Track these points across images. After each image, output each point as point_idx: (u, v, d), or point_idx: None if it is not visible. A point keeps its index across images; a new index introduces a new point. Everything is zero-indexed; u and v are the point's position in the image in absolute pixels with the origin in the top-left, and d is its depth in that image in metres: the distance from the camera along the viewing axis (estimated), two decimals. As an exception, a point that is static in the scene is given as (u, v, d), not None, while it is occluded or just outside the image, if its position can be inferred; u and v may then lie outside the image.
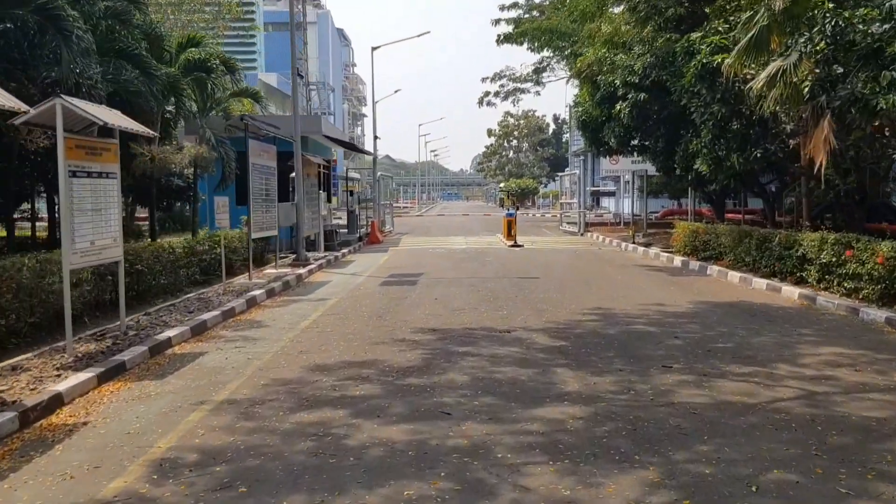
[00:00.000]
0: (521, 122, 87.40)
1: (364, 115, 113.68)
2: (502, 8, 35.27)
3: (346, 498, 4.37)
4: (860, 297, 10.85)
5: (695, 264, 16.78)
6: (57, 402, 6.25)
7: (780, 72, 11.53)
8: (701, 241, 17.42)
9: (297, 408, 6.14)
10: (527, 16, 34.93)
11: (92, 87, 12.02)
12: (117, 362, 7.46)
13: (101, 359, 7.59)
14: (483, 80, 43.77)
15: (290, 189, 19.75)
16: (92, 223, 8.18)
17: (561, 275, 15.62)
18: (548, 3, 33.48)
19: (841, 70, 11.42)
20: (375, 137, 37.75)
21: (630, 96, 18.81)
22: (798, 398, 6.32)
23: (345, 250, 21.75)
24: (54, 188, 15.49)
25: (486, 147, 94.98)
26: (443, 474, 4.69)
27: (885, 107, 10.31)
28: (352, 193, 33.74)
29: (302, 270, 15.82)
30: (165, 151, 16.04)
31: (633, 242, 22.70)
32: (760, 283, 13.39)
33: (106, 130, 8.52)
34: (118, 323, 9.07)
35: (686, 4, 18.05)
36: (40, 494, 4.51)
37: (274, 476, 4.71)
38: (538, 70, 40.62)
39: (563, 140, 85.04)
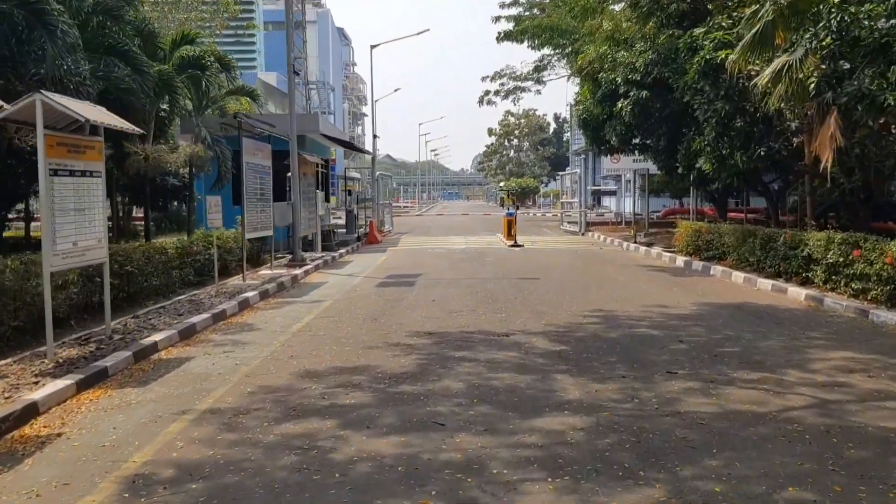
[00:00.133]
0: (522, 120, 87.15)
1: (364, 115, 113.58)
2: (502, 5, 34.97)
3: (329, 519, 4.07)
4: (868, 298, 10.55)
5: (698, 264, 16.47)
6: (31, 412, 5.94)
7: (786, 68, 11.28)
8: (704, 241, 17.08)
9: (282, 418, 5.84)
10: (527, 13, 34.59)
11: (80, 83, 11.73)
12: (99, 368, 7.15)
13: (82, 365, 7.29)
14: (483, 78, 43.41)
15: (287, 188, 19.46)
16: (75, 223, 7.87)
17: (561, 275, 15.31)
18: (548, 0, 33.17)
19: (847, 66, 11.21)
20: (374, 136, 37.47)
21: (632, 94, 18.54)
22: (810, 407, 6.01)
23: (342, 250, 21.45)
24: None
25: (487, 146, 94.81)
26: (434, 493, 4.39)
27: (892, 103, 10.12)
28: (350, 193, 33.43)
29: (298, 271, 15.52)
30: (160, 150, 15.78)
31: (635, 242, 22.38)
32: (765, 283, 13.08)
33: (95, 128, 8.24)
34: (104, 326, 8.78)
35: (688, 0, 17.76)
36: (3, 515, 4.23)
37: (253, 494, 4.41)
38: (539, 68, 40.30)
39: (564, 139, 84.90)
